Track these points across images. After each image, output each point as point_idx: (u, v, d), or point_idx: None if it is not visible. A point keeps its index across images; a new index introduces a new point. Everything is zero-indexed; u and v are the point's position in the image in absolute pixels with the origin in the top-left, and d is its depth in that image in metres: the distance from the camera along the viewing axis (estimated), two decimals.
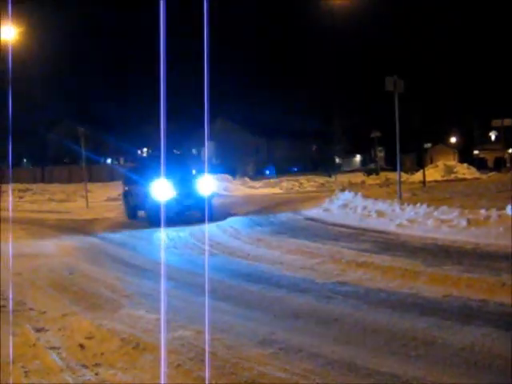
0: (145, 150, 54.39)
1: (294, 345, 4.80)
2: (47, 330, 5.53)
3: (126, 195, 17.12)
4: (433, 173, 32.68)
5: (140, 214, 16.03)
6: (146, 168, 15.70)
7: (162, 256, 10.05)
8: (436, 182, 28.02)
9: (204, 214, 14.46)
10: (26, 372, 4.45)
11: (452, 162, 42.92)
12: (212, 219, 14.21)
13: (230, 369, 4.26)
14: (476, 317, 5.34)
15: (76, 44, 38.76)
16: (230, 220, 14.13)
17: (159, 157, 16.87)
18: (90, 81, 45.70)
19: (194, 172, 17.05)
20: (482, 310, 5.56)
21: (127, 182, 17.43)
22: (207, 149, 27.33)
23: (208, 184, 14.81)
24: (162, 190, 13.54)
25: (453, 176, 33.13)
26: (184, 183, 14.52)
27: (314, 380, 4.04)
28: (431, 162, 42.55)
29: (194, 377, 4.18)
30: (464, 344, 4.61)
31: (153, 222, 13.83)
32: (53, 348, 4.98)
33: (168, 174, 14.06)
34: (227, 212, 15.90)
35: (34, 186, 32.84)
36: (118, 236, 13.18)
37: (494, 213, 9.85)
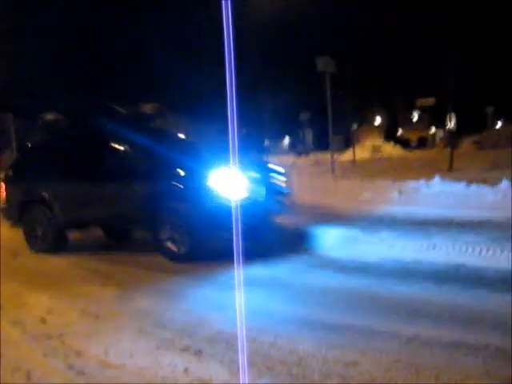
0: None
1: None
2: (5, 308, 5.57)
3: (33, 203, 8.67)
4: (360, 152, 33.81)
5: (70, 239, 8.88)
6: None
7: None
8: (364, 160, 28.99)
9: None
10: None
11: (378, 141, 44.44)
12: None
13: None
14: (412, 275, 5.91)
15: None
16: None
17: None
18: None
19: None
20: (417, 269, 6.13)
21: (43, 177, 8.64)
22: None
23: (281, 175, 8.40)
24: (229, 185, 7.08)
25: (379, 155, 34.48)
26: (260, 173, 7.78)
27: None
28: (358, 142, 43.85)
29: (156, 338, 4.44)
30: (404, 296, 5.11)
31: (195, 253, 7.12)
32: (14, 323, 5.08)
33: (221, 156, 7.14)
34: None
35: None
36: None
37: (423, 183, 10.52)
